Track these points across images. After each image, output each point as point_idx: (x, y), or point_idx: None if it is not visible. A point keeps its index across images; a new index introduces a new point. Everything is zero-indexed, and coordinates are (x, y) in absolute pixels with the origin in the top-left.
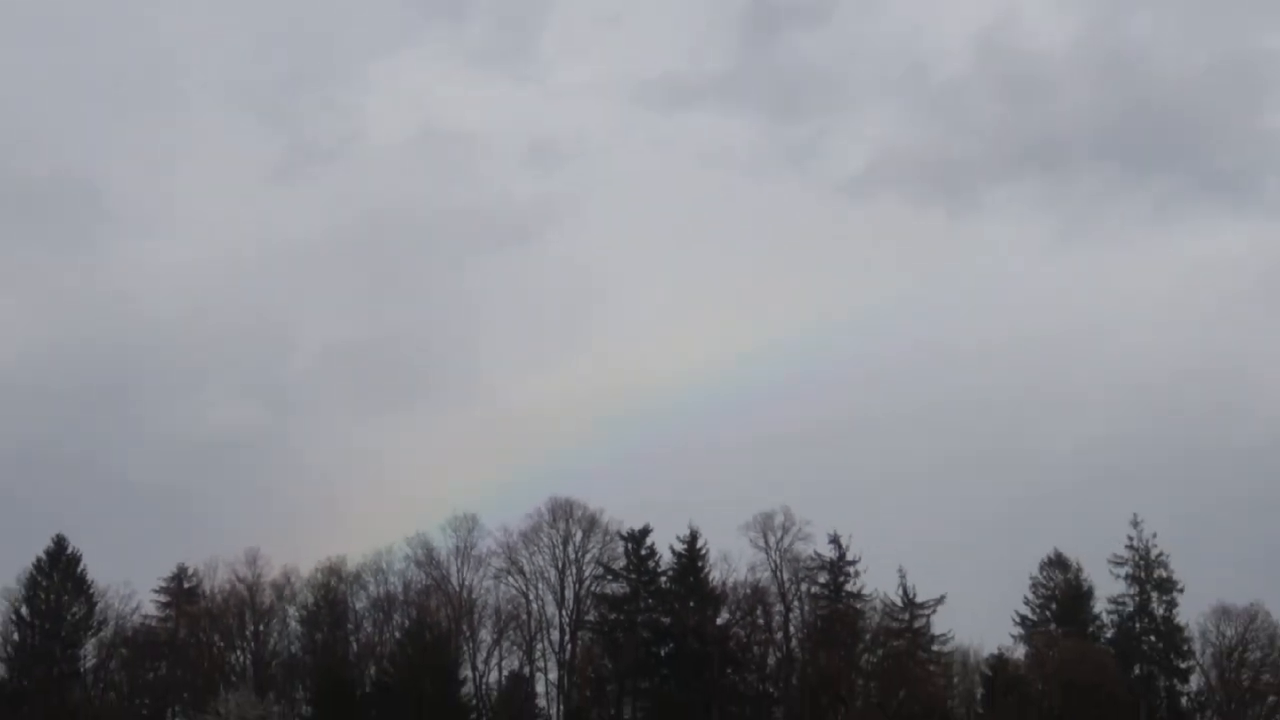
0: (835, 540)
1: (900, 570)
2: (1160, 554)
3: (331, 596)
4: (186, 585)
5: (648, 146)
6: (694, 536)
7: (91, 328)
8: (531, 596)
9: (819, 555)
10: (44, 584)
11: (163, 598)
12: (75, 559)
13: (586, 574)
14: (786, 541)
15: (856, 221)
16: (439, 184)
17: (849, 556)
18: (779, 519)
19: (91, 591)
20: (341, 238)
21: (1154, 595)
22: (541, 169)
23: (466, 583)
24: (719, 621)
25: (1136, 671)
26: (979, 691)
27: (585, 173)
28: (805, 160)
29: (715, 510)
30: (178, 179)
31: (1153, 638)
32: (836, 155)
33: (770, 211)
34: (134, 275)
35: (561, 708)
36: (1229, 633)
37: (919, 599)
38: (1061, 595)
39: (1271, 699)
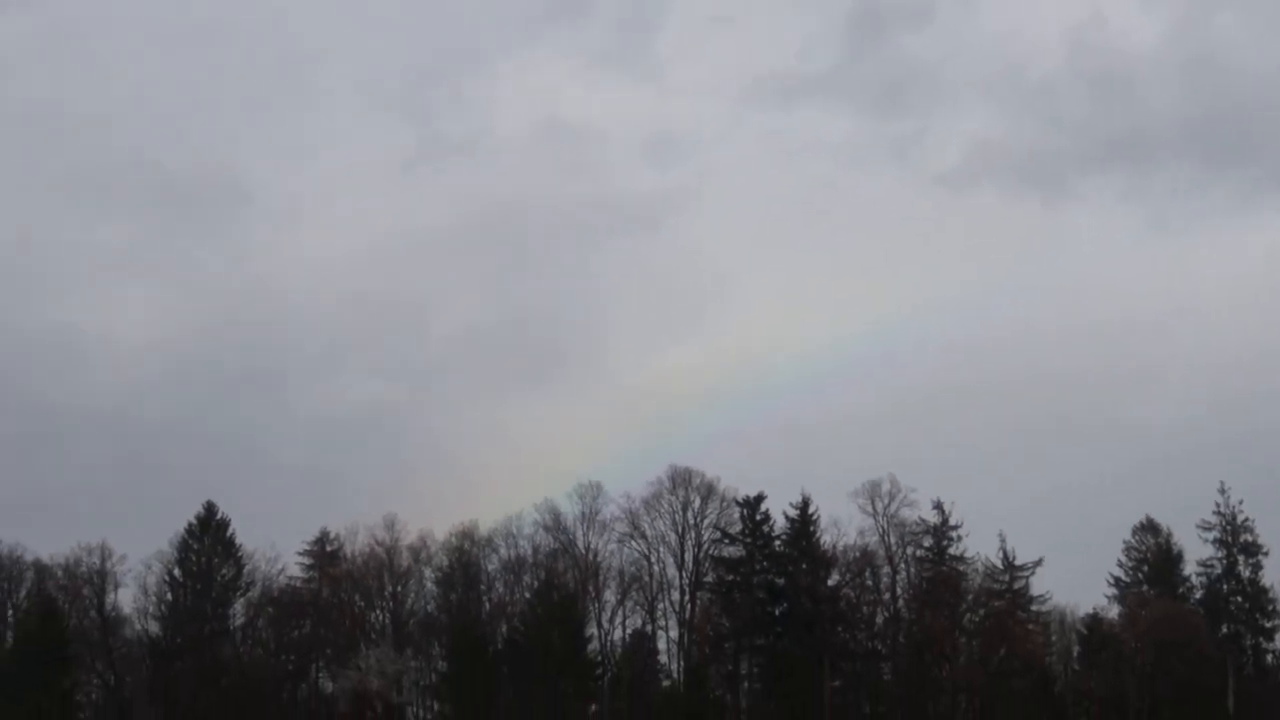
0: (939, 506)
1: (1000, 534)
2: (1246, 519)
3: (465, 559)
4: (329, 549)
5: (759, 141)
6: (805, 503)
7: (239, 312)
8: (653, 559)
9: (924, 520)
10: (195, 547)
11: (306, 560)
12: (225, 524)
13: (705, 538)
14: (893, 507)
15: (954, 212)
16: (563, 176)
17: (952, 521)
18: (885, 486)
19: (240, 554)
20: (472, 226)
21: (1240, 558)
22: (660, 162)
23: (592, 546)
24: (830, 583)
25: (1224, 631)
26: (1075, 649)
27: (701, 165)
28: (906, 153)
29: (825, 478)
30: (317, 171)
31: (1239, 599)
32: (935, 149)
33: (873, 202)
34: (278, 262)
35: (681, 663)
36: None
37: (1018, 562)
38: (1153, 559)
39: None
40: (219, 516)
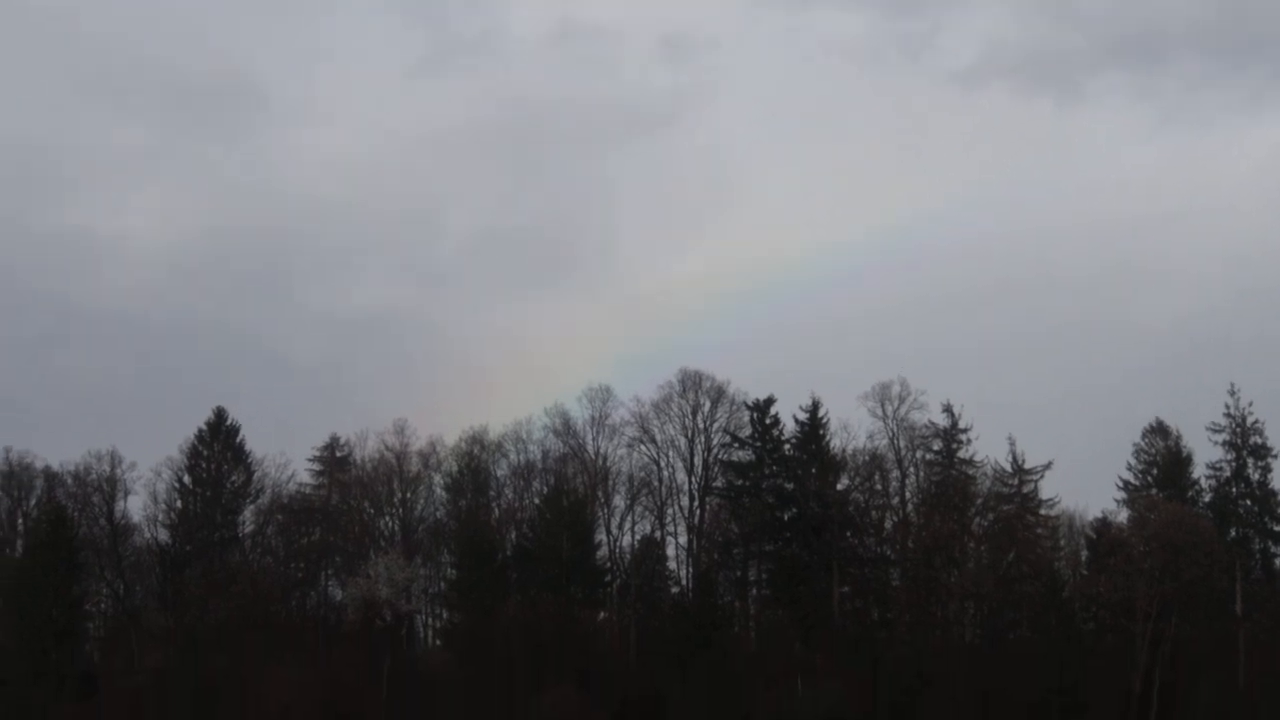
0: (948, 409)
1: (1010, 438)
2: (1256, 421)
3: (474, 465)
4: (338, 455)
5: (774, 39)
6: (815, 406)
7: (252, 213)
8: (662, 464)
9: (933, 424)
10: (205, 454)
11: (316, 466)
12: (235, 429)
13: (714, 442)
14: (902, 410)
15: (966, 111)
16: (577, 75)
17: (961, 425)
18: (895, 389)
19: (250, 460)
20: (484, 128)
21: (1250, 461)
22: (675, 61)
23: (601, 451)
24: (839, 487)
25: (1233, 534)
26: (1083, 553)
27: (716, 65)
28: (919, 53)
29: (835, 381)
30: (331, 73)
31: (1248, 502)
32: (948, 48)
33: (886, 101)
34: (291, 164)
35: (691, 569)
36: None
37: (1027, 465)
38: (1162, 461)
39: None
40: (229, 422)
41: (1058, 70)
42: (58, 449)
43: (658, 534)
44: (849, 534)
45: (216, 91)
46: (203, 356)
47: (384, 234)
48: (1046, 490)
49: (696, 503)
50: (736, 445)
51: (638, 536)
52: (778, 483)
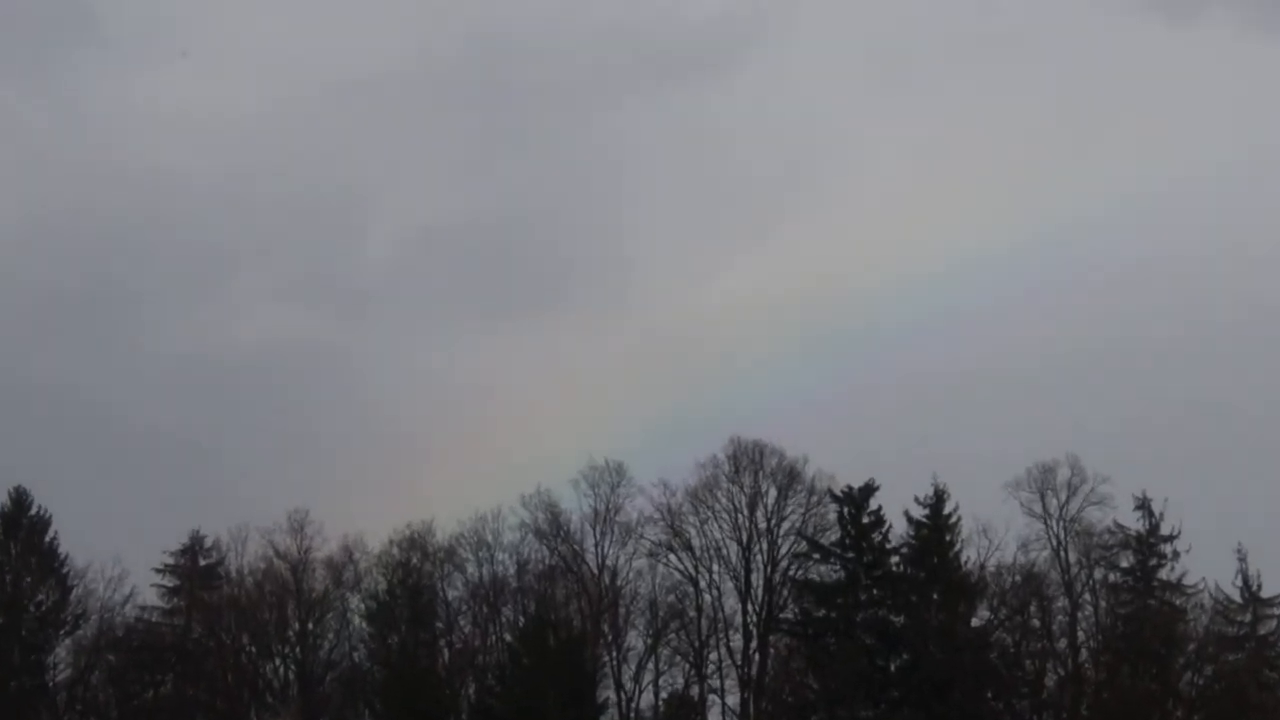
0: (1144, 504)
1: (1239, 549)
2: None
3: (413, 581)
4: (203, 563)
5: None
6: (939, 497)
7: (72, 196)
8: (703, 583)
9: (1121, 527)
10: None
11: (168, 581)
12: (42, 523)
13: (783, 551)
14: (1074, 507)
15: (1178, 50)
16: None
17: (1164, 529)
18: (1063, 474)
19: (66, 571)
20: (438, 73)
21: None
22: None
23: (609, 562)
24: (974, 622)
25: None
26: None
27: None
28: None
29: (967, 463)
30: None
31: None
32: None
33: (1055, 36)
34: (135, 121)
35: None
36: None
37: (1266, 593)
38: None
39: None
40: (34, 511)
41: None
42: None
43: (695, 691)
44: (991, 695)
45: (28, 6)
46: None
47: (276, 233)
48: None
49: (755, 644)
50: (817, 556)
51: (664, 694)
52: (881, 614)
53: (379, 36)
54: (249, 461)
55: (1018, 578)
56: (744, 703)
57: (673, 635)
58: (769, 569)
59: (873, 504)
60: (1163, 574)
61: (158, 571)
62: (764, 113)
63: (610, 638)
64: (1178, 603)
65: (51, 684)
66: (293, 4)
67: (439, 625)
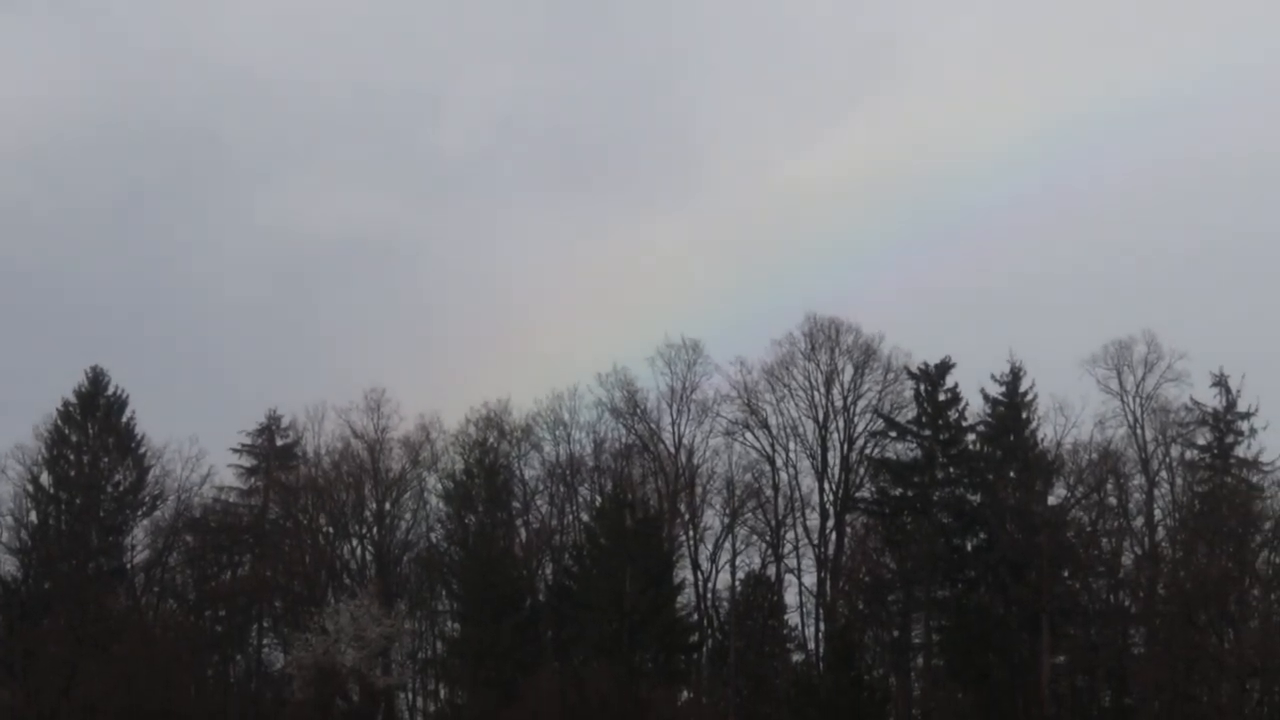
0: (1221, 381)
1: None
2: None
3: (489, 461)
4: (280, 443)
5: None
6: (1015, 375)
7: (155, 86)
8: (780, 462)
9: (1198, 404)
10: (74, 439)
11: (245, 461)
12: (119, 403)
13: (859, 429)
14: (1150, 383)
15: None
16: None
17: (1242, 405)
18: (1140, 350)
19: (143, 451)
20: None
21: None
22: None
23: (687, 441)
24: (1051, 501)
25: None
26: None
27: None
28: None
29: (1044, 341)
30: None
31: None
32: None
33: None
34: (216, 16)
35: (822, 626)
36: None
37: None
38: None
39: None
40: (111, 391)
41: None
42: None
43: (771, 570)
44: (1067, 574)
45: None
46: (74, 294)
47: (354, 122)
48: None
49: (832, 523)
50: (894, 434)
51: (741, 574)
52: (957, 492)
53: None
54: (326, 341)
55: (1094, 455)
56: (820, 582)
57: (749, 514)
58: (845, 447)
59: (949, 381)
60: (1240, 451)
61: (235, 451)
62: None
63: (687, 517)
64: (1255, 480)
65: (129, 565)
66: None
67: (515, 505)
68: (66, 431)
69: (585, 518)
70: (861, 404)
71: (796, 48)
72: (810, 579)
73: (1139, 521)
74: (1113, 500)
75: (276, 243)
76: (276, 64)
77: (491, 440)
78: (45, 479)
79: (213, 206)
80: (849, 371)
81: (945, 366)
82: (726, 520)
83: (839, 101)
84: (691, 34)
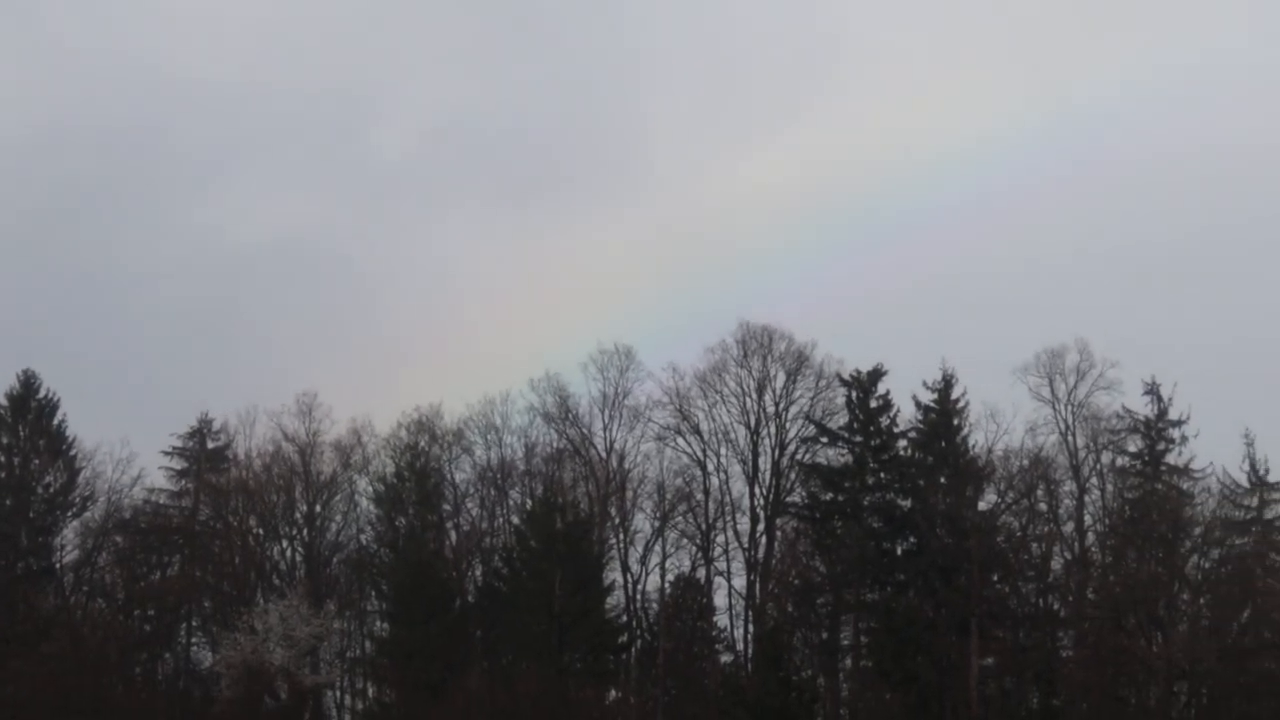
0: (1153, 390)
1: (1246, 434)
2: None
3: (420, 464)
4: (211, 446)
5: None
6: (947, 382)
7: (95, 95)
8: (711, 467)
9: (1129, 412)
10: (4, 441)
11: (176, 464)
12: (50, 406)
13: (790, 435)
14: (1082, 391)
15: None
16: None
17: (1173, 414)
18: (1072, 358)
19: (74, 453)
20: None
21: None
22: None
23: (618, 446)
24: (981, 506)
25: None
26: None
27: None
28: None
29: (976, 348)
30: None
31: None
32: None
33: None
34: (154, 23)
35: (751, 628)
36: None
37: (1273, 477)
38: None
39: None
40: (42, 394)
41: None
42: None
43: (701, 573)
44: (996, 578)
45: None
46: (5, 296)
47: (292, 126)
48: None
49: (762, 527)
50: (825, 440)
51: (670, 576)
52: (888, 497)
53: None
54: (258, 345)
55: (1025, 462)
56: (750, 585)
57: (680, 518)
58: (776, 453)
59: (881, 388)
60: (1170, 458)
61: (166, 454)
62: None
63: (617, 521)
64: (1185, 487)
65: (59, 565)
66: None
67: (446, 508)
68: None
69: (516, 521)
70: (793, 410)
71: (732, 56)
72: (740, 582)
73: (1069, 527)
74: (1043, 506)
75: (211, 245)
76: (213, 67)
77: (423, 444)
78: None
79: (147, 209)
80: (781, 378)
81: (877, 374)
82: (657, 524)
83: (775, 110)
84: (628, 40)
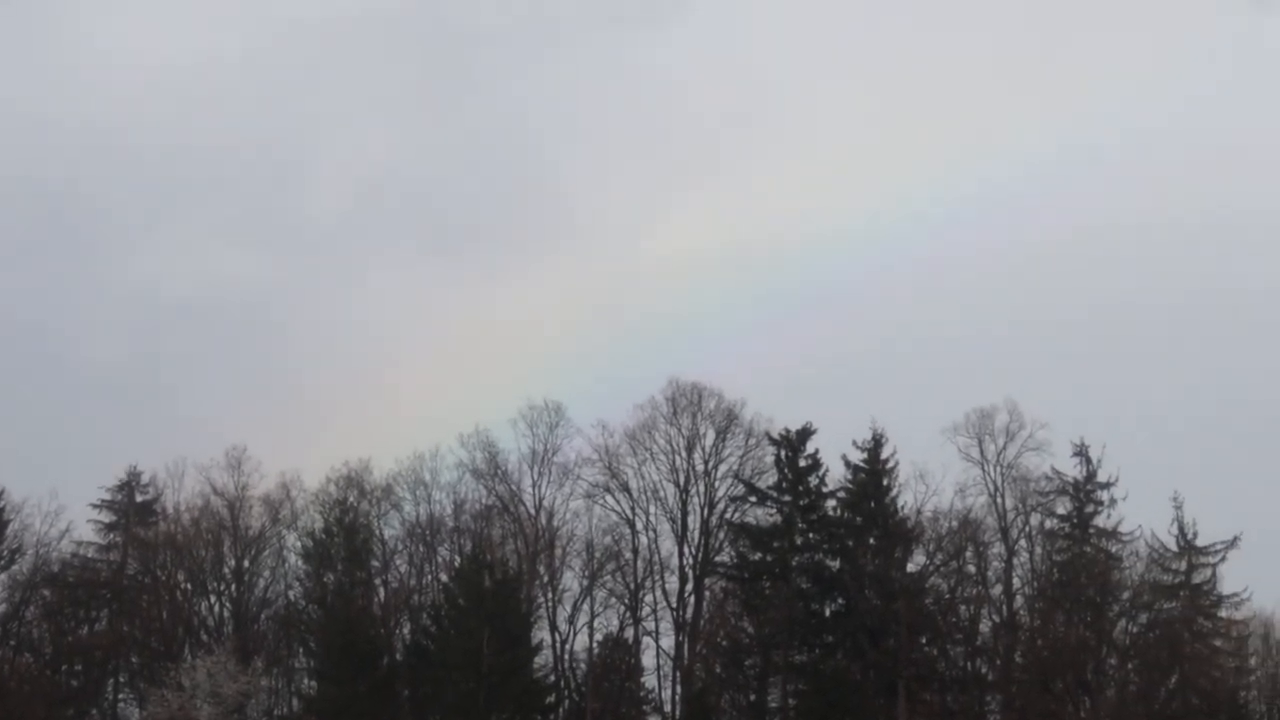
0: (1082, 452)
1: (1175, 498)
2: None
3: (349, 520)
4: (140, 499)
5: None
6: (877, 442)
7: (23, 144)
8: (640, 525)
9: (1058, 474)
10: None
11: (105, 517)
12: None
13: (720, 494)
14: (1011, 452)
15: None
16: None
17: (1101, 476)
18: (1002, 419)
19: (2, 506)
20: (378, 18)
21: None
22: None
23: (546, 503)
24: (910, 568)
25: None
26: None
27: None
28: None
29: (906, 408)
30: None
31: None
32: None
33: None
34: (81, 65)
35: (679, 689)
36: None
37: (1201, 541)
38: None
39: None
40: None
41: None
42: None
43: (629, 633)
44: (925, 640)
45: None
46: None
47: (222, 178)
48: (1230, 580)
49: (690, 587)
50: (754, 499)
51: (599, 636)
52: (817, 558)
53: None
54: (187, 399)
55: (954, 523)
56: (678, 645)
57: (608, 577)
58: (706, 511)
59: (810, 448)
60: (1099, 521)
61: (94, 507)
62: (708, 62)
63: (546, 578)
64: (1113, 550)
65: None
66: None
67: (375, 564)
68: None
69: (444, 578)
70: (723, 469)
71: (665, 115)
72: (668, 642)
73: (998, 589)
74: (971, 568)
75: (141, 301)
76: (141, 125)
77: (352, 499)
78: None
79: (77, 264)
80: (710, 436)
81: (806, 433)
82: (585, 582)
83: (707, 169)
84: (559, 101)
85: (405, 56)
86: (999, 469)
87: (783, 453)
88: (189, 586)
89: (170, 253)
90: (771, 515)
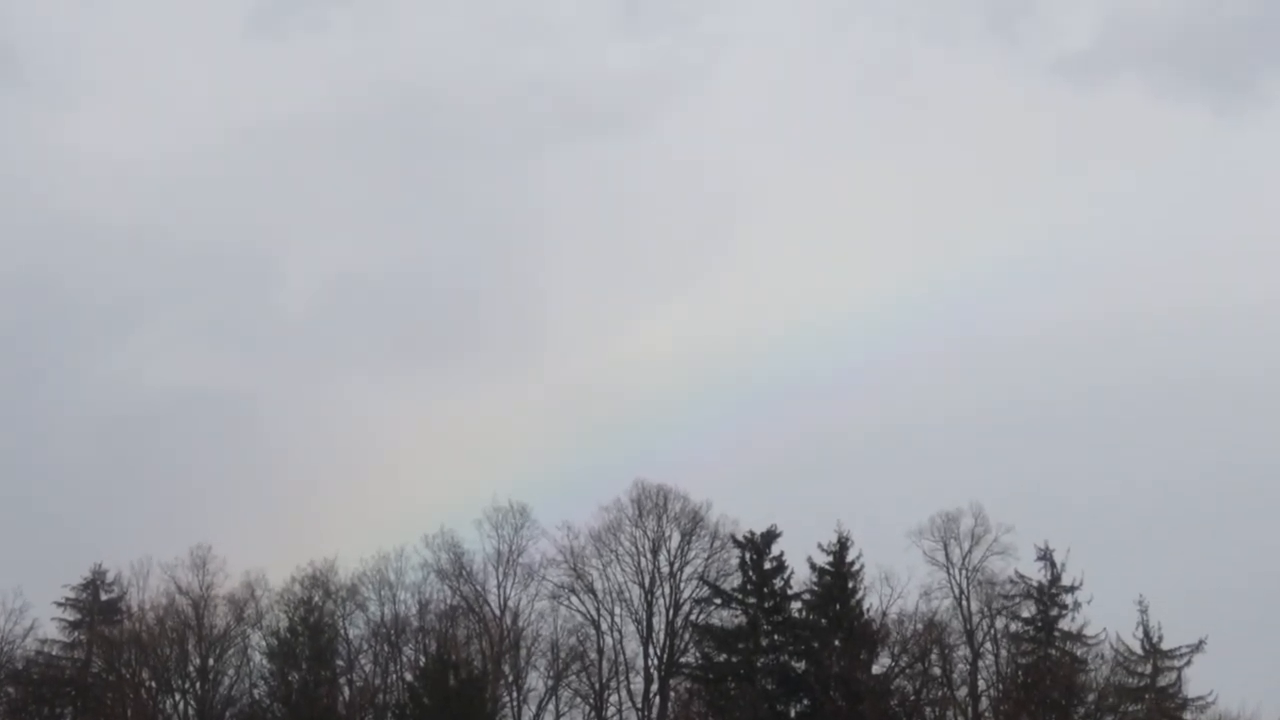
0: (1047, 556)
1: (1140, 601)
2: None
3: (314, 619)
4: (105, 597)
5: (793, 5)
6: (843, 545)
7: None
8: (605, 626)
9: (1023, 577)
10: None
11: (69, 615)
12: None
13: (685, 595)
14: (977, 556)
15: (1082, 113)
16: (496, 43)
17: (1066, 580)
18: (967, 523)
19: None
20: (351, 120)
21: None
22: (644, 29)
23: (511, 603)
24: (876, 669)
25: None
26: None
27: (706, 35)
28: (1015, 28)
29: (871, 512)
30: (118, 32)
31: None
32: (1056, 24)
33: (966, 97)
34: (51, 165)
35: None
36: None
37: (1166, 644)
38: None
39: None
40: None
41: (1214, 59)
42: None
43: None
44: None
45: None
46: None
47: (189, 280)
48: (1196, 684)
49: (655, 688)
50: (719, 601)
51: None
52: (782, 660)
53: (294, 83)
54: (156, 496)
55: (919, 625)
56: None
57: (573, 677)
58: (671, 613)
59: (775, 550)
60: (1064, 624)
61: (59, 605)
62: (678, 167)
63: (511, 679)
64: (1078, 653)
65: None
66: (207, 50)
67: (340, 664)
68: None
69: (409, 677)
70: (688, 570)
71: (634, 219)
72: None
73: (963, 691)
74: (937, 670)
75: (110, 396)
76: (117, 219)
77: (317, 599)
78: None
79: (45, 359)
80: (676, 538)
81: (771, 535)
82: (550, 682)
83: (668, 276)
84: (529, 203)
85: (377, 159)
86: (964, 572)
87: (748, 555)
88: (154, 685)
89: (143, 347)
90: (737, 617)
